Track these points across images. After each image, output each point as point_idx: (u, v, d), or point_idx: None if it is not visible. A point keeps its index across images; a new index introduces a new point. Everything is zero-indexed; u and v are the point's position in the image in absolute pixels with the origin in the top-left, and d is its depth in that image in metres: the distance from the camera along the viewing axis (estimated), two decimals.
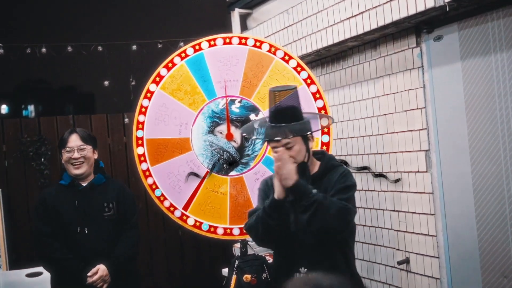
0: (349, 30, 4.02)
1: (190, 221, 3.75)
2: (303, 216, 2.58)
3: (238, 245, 3.99)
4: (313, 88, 3.73)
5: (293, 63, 3.77)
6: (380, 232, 4.24)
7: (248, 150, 3.75)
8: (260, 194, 2.92)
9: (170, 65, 3.82)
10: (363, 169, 4.38)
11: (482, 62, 3.35)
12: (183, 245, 5.94)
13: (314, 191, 2.55)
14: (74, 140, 3.60)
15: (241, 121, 3.73)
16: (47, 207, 3.57)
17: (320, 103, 3.72)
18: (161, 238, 5.87)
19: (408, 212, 3.91)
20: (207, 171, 3.72)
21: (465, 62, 3.46)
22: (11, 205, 5.31)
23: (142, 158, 3.78)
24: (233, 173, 3.75)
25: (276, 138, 2.63)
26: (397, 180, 4.01)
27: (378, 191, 4.22)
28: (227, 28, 5.93)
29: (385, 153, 4.10)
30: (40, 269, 4.42)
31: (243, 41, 3.83)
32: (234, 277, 3.48)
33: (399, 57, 3.89)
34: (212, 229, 3.74)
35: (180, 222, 3.76)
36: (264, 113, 3.61)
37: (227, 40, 3.83)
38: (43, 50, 5.64)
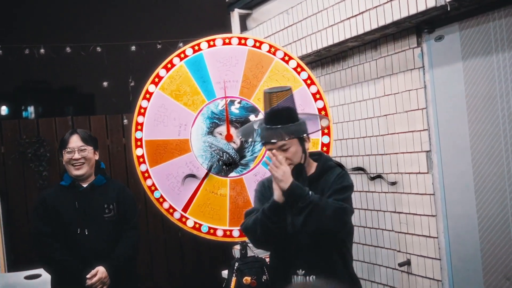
0: (349, 30, 4.00)
1: (190, 223, 3.72)
2: (298, 218, 2.57)
3: (238, 247, 3.97)
4: (313, 89, 3.71)
5: (293, 63, 3.75)
6: (381, 234, 4.22)
7: (248, 151, 3.73)
8: (257, 195, 2.91)
9: (169, 65, 3.81)
10: (358, 169, 4.37)
11: (484, 62, 3.33)
12: (182, 246, 5.92)
13: (310, 193, 2.54)
14: (75, 141, 3.58)
15: (241, 122, 3.71)
16: (47, 208, 3.54)
17: (320, 104, 3.69)
18: (161, 240, 5.85)
19: (409, 213, 3.88)
20: (206, 173, 3.70)
21: (466, 62, 3.43)
22: (9, 207, 5.30)
23: (141, 160, 3.76)
24: (232, 174, 3.73)
25: (272, 141, 2.61)
26: (394, 183, 4.00)
27: (379, 192, 4.19)
28: (227, 28, 5.92)
29: (386, 154, 4.07)
30: (39, 271, 4.42)
31: (243, 41, 3.81)
32: (234, 279, 3.46)
33: (400, 57, 3.87)
34: (211, 231, 3.72)
35: (179, 224, 3.74)
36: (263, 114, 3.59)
37: (227, 41, 3.81)
38: (42, 51, 5.62)
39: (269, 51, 3.77)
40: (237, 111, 3.75)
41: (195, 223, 3.72)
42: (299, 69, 3.74)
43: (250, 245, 3.75)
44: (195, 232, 3.73)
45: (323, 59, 4.69)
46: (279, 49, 3.78)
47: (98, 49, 5.96)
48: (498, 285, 3.34)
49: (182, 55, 3.81)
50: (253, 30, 5.36)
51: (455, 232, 3.61)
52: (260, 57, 3.77)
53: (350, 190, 2.73)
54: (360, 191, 4.37)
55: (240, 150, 3.74)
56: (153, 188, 3.75)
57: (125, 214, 3.65)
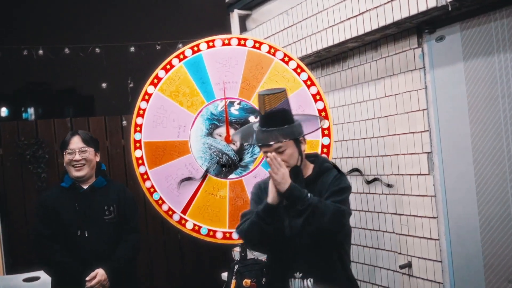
0: (350, 31, 3.98)
1: (189, 225, 3.70)
2: (297, 221, 2.55)
3: (237, 249, 3.95)
4: (313, 90, 3.69)
5: (293, 64, 3.73)
6: (381, 236, 4.19)
7: (248, 153, 3.70)
8: (253, 197, 2.89)
9: (168, 66, 3.78)
10: (354, 171, 4.35)
11: (485, 63, 3.30)
12: (182, 248, 5.91)
13: (309, 195, 2.52)
14: (76, 142, 3.56)
15: (241, 123, 3.68)
16: (47, 209, 3.53)
17: (320, 105, 3.67)
18: (161, 241, 5.84)
19: (410, 215, 3.86)
20: (206, 175, 3.67)
21: (467, 62, 3.41)
22: (8, 209, 5.28)
23: (140, 161, 3.74)
24: (232, 176, 3.70)
25: (270, 143, 2.58)
26: (390, 185, 3.98)
27: (379, 194, 4.17)
28: (226, 29, 5.90)
29: (387, 155, 4.05)
30: (38, 273, 4.40)
31: (242, 42, 3.79)
32: (233, 281, 3.45)
33: (401, 58, 3.85)
34: (211, 233, 3.70)
35: (178, 226, 3.71)
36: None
37: (226, 41, 3.79)
38: (40, 52, 5.60)
39: (268, 52, 3.75)
40: (236, 112, 3.72)
41: (195, 225, 3.69)
42: (299, 70, 3.72)
43: None
44: (194, 234, 3.70)
45: (323, 60, 4.67)
46: (278, 50, 3.76)
47: (97, 50, 5.94)
48: None
49: (181, 56, 3.79)
50: (253, 31, 5.34)
51: (456, 234, 3.58)
52: (259, 58, 3.74)
53: (348, 191, 2.71)
54: (360, 193, 4.35)
55: (240, 152, 3.71)
56: (152, 190, 3.72)
57: (125, 216, 3.63)
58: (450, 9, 3.26)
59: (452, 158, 3.57)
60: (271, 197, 2.57)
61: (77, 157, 3.53)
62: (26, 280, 4.46)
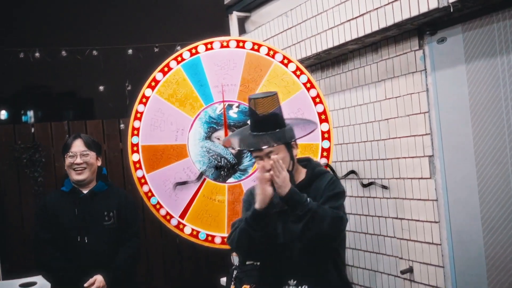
0: (350, 33, 3.94)
1: (187, 230, 3.66)
2: (297, 226, 2.51)
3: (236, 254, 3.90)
4: (313, 92, 3.65)
5: (292, 66, 3.69)
6: (382, 240, 4.15)
7: (246, 157, 3.66)
8: (244, 205, 2.84)
9: (166, 69, 3.75)
10: (349, 174, 4.34)
11: (488, 65, 3.26)
12: (181, 252, 5.86)
13: (309, 199, 2.49)
14: (78, 145, 3.54)
15: (239, 126, 3.63)
16: (48, 213, 3.51)
17: (320, 108, 3.63)
18: (159, 246, 5.79)
19: (412, 219, 3.82)
20: (204, 179, 3.63)
21: (469, 64, 3.37)
22: (4, 212, 5.23)
23: (138, 165, 3.70)
24: (231, 180, 3.66)
25: (263, 147, 2.54)
26: (385, 187, 3.95)
27: (380, 198, 4.13)
28: (225, 31, 5.87)
29: (387, 158, 4.01)
30: (34, 278, 4.34)
31: (241, 44, 3.75)
32: (232, 287, 3.43)
33: (401, 60, 3.81)
34: (209, 238, 3.65)
35: (176, 231, 3.67)
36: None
37: (224, 44, 3.75)
38: (37, 54, 5.56)
39: (267, 54, 3.71)
40: (235, 116, 3.68)
41: (193, 230, 3.65)
42: (298, 72, 3.68)
43: None
44: (192, 239, 3.66)
45: (323, 62, 4.63)
46: (278, 52, 3.72)
47: (95, 52, 5.90)
48: None
49: (179, 59, 3.75)
50: (252, 33, 5.30)
51: (458, 238, 3.54)
52: (258, 60, 3.70)
53: (343, 197, 2.69)
54: (361, 197, 4.31)
55: (239, 156, 3.67)
56: (149, 194, 3.68)
57: (126, 222, 3.59)
58: (451, 10, 3.22)
59: (454, 161, 3.53)
60: (259, 203, 2.53)
61: (78, 160, 3.50)
62: (22, 285, 4.40)
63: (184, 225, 3.65)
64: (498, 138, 3.24)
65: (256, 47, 3.73)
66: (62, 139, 5.35)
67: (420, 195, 3.74)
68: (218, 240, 3.64)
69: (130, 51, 6.02)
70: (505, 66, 3.17)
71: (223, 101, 3.68)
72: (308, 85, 3.66)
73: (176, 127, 3.69)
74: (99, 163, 3.65)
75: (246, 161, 3.66)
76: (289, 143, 2.62)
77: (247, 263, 3.52)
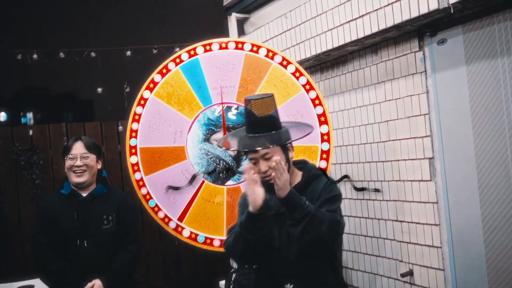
0: (349, 34, 3.92)
1: (186, 233, 3.63)
2: (295, 229, 2.47)
3: None
4: (312, 94, 3.63)
5: (291, 68, 3.67)
6: (382, 243, 4.13)
7: (245, 159, 3.63)
8: (240, 209, 2.80)
9: (164, 71, 3.73)
10: (343, 178, 4.33)
11: (488, 66, 3.24)
12: (179, 255, 5.83)
13: (307, 202, 2.46)
14: (78, 148, 3.51)
15: (238, 128, 3.61)
16: (47, 216, 3.49)
17: (319, 110, 3.60)
18: (157, 248, 5.76)
19: (412, 222, 3.79)
20: (202, 181, 3.61)
21: (470, 66, 3.35)
22: (2, 215, 5.20)
23: (136, 168, 3.69)
24: (229, 182, 3.64)
25: (258, 149, 2.52)
26: (377, 190, 3.92)
27: (380, 200, 4.10)
28: (224, 33, 5.85)
29: (387, 161, 3.98)
30: (32, 281, 4.31)
31: (240, 45, 3.73)
32: None
33: (401, 62, 3.79)
34: (208, 241, 3.63)
35: (175, 234, 3.65)
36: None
37: (223, 45, 3.73)
38: (35, 56, 5.53)
39: (267, 56, 3.69)
40: (234, 118, 3.66)
41: (191, 233, 3.62)
42: (297, 74, 3.66)
43: None
44: (191, 242, 3.64)
45: (323, 63, 4.61)
46: (277, 54, 3.70)
47: (93, 54, 5.88)
48: None
49: (178, 60, 3.74)
50: (251, 35, 5.28)
51: (459, 241, 3.52)
52: (257, 62, 3.69)
53: (340, 200, 2.66)
54: (361, 199, 4.29)
55: (237, 158, 3.64)
56: (148, 197, 3.66)
57: (126, 225, 3.55)
58: (452, 12, 3.20)
59: (454, 163, 3.50)
60: (251, 205, 2.50)
61: (78, 162, 3.47)
62: None
63: (183, 228, 3.62)
64: (499, 140, 3.22)
65: (255, 48, 3.71)
66: (60, 141, 5.32)
67: (420, 198, 3.71)
68: (216, 243, 3.62)
69: (128, 53, 5.99)
70: (506, 67, 3.14)
71: (222, 103, 3.66)
72: (308, 86, 3.64)
73: (175, 129, 3.67)
74: (99, 166, 3.62)
75: (245, 164, 3.63)
76: (285, 146, 2.60)
77: (246, 266, 3.50)
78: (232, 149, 3.09)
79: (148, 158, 3.67)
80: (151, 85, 3.70)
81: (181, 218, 3.64)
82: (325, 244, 2.51)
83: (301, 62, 4.38)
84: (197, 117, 3.67)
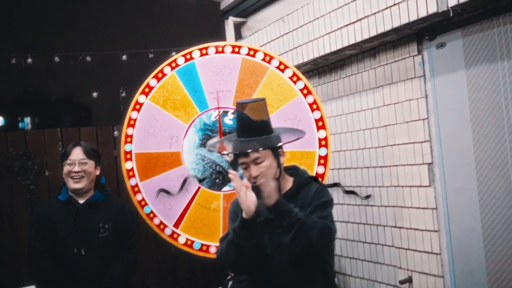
0: (347, 38, 3.89)
1: (181, 240, 3.58)
2: (285, 237, 2.44)
3: None
4: (310, 99, 3.59)
5: (288, 72, 3.63)
6: (381, 249, 4.09)
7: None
8: (230, 216, 2.76)
9: (160, 75, 3.69)
10: (333, 185, 4.30)
11: (488, 70, 3.21)
12: (175, 261, 5.77)
13: (296, 209, 2.42)
14: (77, 153, 3.46)
15: None
16: (43, 224, 3.43)
17: (317, 114, 3.56)
18: (153, 255, 5.70)
19: (411, 228, 3.76)
20: (198, 187, 3.56)
21: (469, 70, 3.32)
22: None
23: (131, 173, 3.64)
24: (226, 188, 3.59)
25: (248, 151, 2.50)
26: (368, 196, 3.91)
27: (378, 206, 4.07)
28: (221, 37, 5.82)
29: (386, 166, 3.95)
30: None
31: (236, 49, 3.69)
32: None
33: (400, 66, 3.76)
34: (204, 248, 3.58)
35: (170, 240, 3.60)
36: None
37: (220, 49, 3.69)
38: (29, 60, 5.48)
39: (264, 60, 3.65)
40: (230, 122, 3.61)
41: (187, 239, 3.57)
42: (295, 78, 3.62)
43: None
44: (187, 249, 3.59)
45: (320, 68, 4.58)
46: (274, 58, 3.66)
47: (88, 58, 5.83)
48: None
49: (173, 64, 3.69)
50: (248, 39, 5.25)
51: (458, 248, 3.48)
52: (254, 66, 3.65)
53: (331, 205, 2.63)
54: (359, 205, 4.25)
55: (234, 163, 3.59)
56: (143, 203, 3.62)
57: (123, 233, 3.48)
58: (451, 15, 3.18)
59: (453, 169, 3.47)
60: (244, 211, 2.46)
61: (77, 168, 3.42)
62: None
63: (179, 235, 3.57)
64: (499, 144, 3.19)
65: (252, 52, 3.67)
66: (55, 147, 5.26)
67: (419, 204, 3.68)
68: (213, 250, 3.57)
69: (124, 57, 5.95)
70: (506, 71, 3.11)
71: (218, 108, 3.62)
72: (305, 91, 3.60)
73: (170, 134, 3.62)
74: (98, 172, 3.57)
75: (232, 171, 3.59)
76: (276, 151, 2.57)
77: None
78: (223, 152, 3.06)
79: (144, 163, 3.62)
80: (147, 90, 3.66)
81: (177, 225, 3.58)
82: (316, 251, 2.48)
83: (298, 66, 4.34)
84: (193, 122, 3.63)
